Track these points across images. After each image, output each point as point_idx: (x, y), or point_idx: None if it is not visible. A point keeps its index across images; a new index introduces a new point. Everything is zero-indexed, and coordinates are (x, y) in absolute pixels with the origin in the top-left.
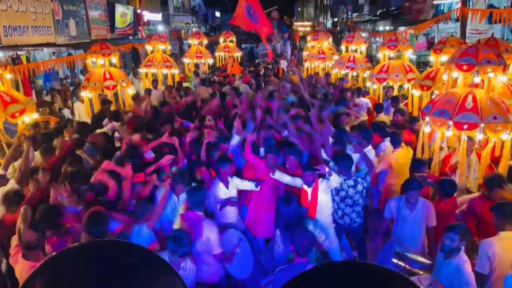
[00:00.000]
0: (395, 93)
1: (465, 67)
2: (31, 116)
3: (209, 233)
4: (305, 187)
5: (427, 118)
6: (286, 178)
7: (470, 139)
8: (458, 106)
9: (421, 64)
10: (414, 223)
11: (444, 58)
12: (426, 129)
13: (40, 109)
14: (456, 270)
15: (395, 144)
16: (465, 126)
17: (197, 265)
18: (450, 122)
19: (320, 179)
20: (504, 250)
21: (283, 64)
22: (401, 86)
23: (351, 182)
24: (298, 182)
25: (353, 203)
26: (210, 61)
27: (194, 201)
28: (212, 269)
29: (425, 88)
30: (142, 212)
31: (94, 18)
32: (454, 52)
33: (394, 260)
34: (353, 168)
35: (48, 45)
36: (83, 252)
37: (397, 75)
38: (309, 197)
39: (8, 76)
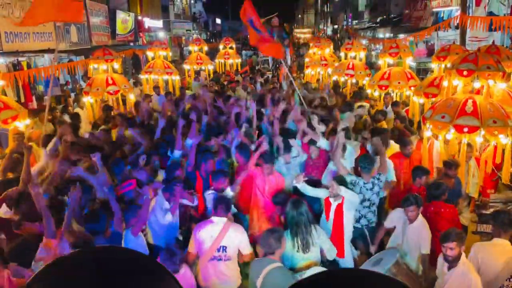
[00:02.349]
0: (397, 100)
1: (465, 73)
2: (24, 122)
3: (242, 236)
4: (331, 199)
5: (428, 123)
6: (309, 190)
7: (468, 145)
8: (459, 110)
9: (421, 71)
10: (409, 238)
11: (449, 65)
12: (427, 133)
13: (40, 116)
14: (464, 278)
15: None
16: (465, 130)
17: (218, 268)
18: (451, 126)
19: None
20: (494, 256)
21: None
22: (401, 93)
23: (369, 185)
24: (320, 193)
25: (369, 204)
26: (211, 67)
27: (222, 207)
28: (232, 270)
29: (430, 95)
30: (128, 218)
31: (95, 25)
32: (455, 59)
33: (392, 268)
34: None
35: (49, 51)
36: (81, 259)
37: (399, 82)
38: (332, 212)
39: (0, 82)
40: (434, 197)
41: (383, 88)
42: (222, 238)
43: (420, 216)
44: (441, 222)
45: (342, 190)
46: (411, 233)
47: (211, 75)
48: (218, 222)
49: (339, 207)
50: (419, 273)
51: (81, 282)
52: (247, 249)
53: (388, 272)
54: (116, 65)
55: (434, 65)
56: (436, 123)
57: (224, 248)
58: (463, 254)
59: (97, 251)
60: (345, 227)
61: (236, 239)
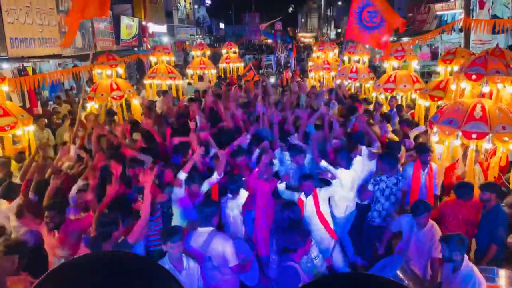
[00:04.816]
0: (403, 103)
1: (474, 77)
2: (28, 128)
3: (225, 247)
4: (303, 197)
5: (436, 127)
6: (286, 193)
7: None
8: (467, 116)
9: (425, 74)
10: (419, 243)
11: (455, 68)
12: (434, 138)
13: (37, 123)
14: (468, 279)
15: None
16: (473, 136)
17: (214, 278)
18: (459, 132)
19: (318, 188)
20: None
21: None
22: (405, 96)
23: (393, 180)
24: (295, 196)
25: (395, 200)
26: (214, 72)
27: (204, 216)
28: (229, 281)
29: (436, 99)
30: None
31: (100, 30)
32: (463, 62)
33: (398, 272)
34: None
35: (54, 56)
36: (85, 264)
37: (404, 85)
38: (307, 208)
39: (5, 88)
40: (459, 196)
41: (389, 91)
42: (206, 248)
43: (431, 221)
44: (453, 222)
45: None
46: (422, 238)
47: (214, 80)
48: (202, 233)
49: (315, 201)
50: (427, 278)
51: (87, 285)
52: (231, 261)
53: (394, 278)
54: (120, 70)
55: (440, 68)
56: (444, 128)
57: (210, 258)
58: (466, 257)
59: (102, 255)
60: (325, 216)
61: (220, 250)
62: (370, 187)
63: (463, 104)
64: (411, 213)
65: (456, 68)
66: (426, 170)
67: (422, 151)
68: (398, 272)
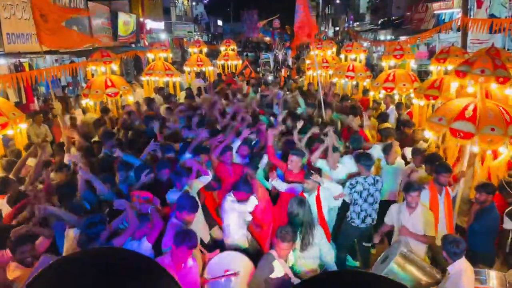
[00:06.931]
0: (402, 101)
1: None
2: (21, 127)
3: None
4: (306, 194)
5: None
6: (283, 186)
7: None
8: (457, 114)
9: (422, 73)
10: (413, 227)
11: (449, 67)
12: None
13: (35, 118)
14: (458, 279)
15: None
16: (459, 135)
17: None
18: (445, 129)
19: (321, 187)
20: None
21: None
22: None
23: (370, 180)
24: (298, 188)
25: (373, 201)
26: (211, 69)
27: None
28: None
29: (431, 98)
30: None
31: (97, 26)
32: (461, 62)
33: (400, 259)
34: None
35: (51, 52)
36: (81, 260)
37: (404, 84)
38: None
39: None
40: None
41: (388, 90)
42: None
43: (420, 203)
44: None
45: (324, 181)
46: (415, 220)
47: (212, 77)
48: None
49: (317, 199)
50: (428, 261)
51: (81, 282)
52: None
53: (395, 264)
54: (115, 67)
55: (433, 67)
56: (433, 125)
57: None
58: (461, 260)
59: (97, 252)
60: (325, 215)
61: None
62: (346, 190)
63: (457, 103)
64: (403, 190)
65: (450, 67)
66: (443, 194)
67: (440, 170)
68: (398, 259)
